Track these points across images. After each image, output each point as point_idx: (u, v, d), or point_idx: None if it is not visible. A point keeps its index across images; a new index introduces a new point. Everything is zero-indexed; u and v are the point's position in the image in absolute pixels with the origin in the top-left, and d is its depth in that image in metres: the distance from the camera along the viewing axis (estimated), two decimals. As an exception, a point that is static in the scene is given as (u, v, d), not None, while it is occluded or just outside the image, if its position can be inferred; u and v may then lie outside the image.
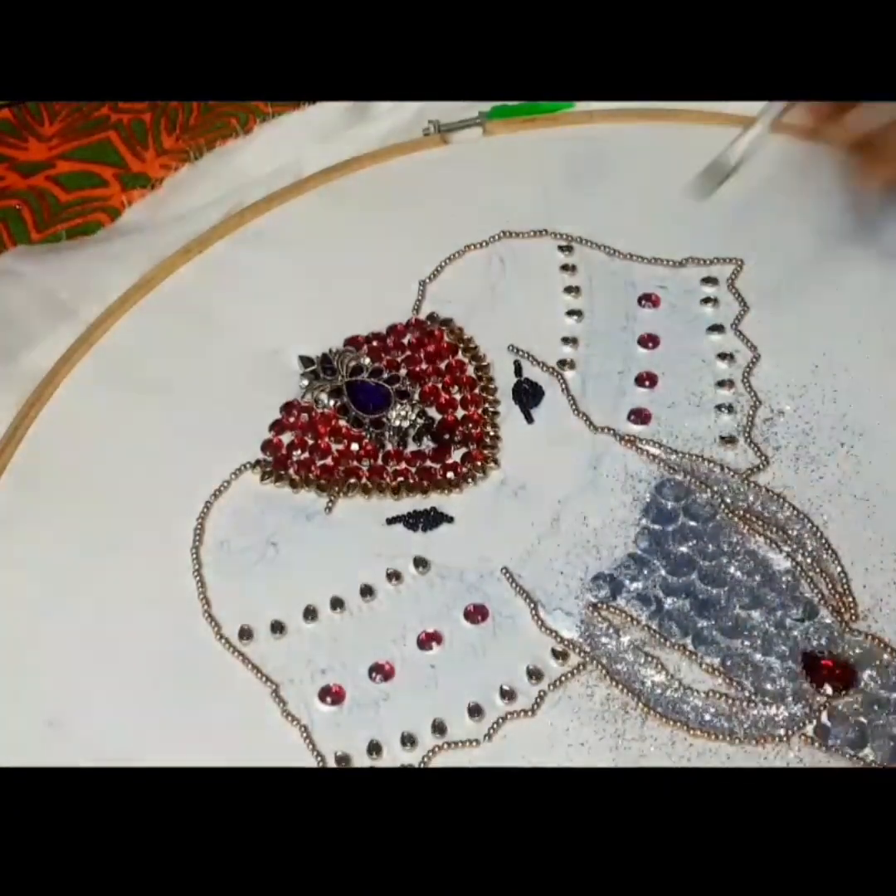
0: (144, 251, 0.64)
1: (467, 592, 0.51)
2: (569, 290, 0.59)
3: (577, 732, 0.47)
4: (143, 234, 0.66)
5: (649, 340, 0.57)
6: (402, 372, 0.57)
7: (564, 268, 0.60)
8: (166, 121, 0.71)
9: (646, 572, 0.50)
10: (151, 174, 0.69)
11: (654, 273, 0.60)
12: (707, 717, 0.47)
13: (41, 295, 0.63)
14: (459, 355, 0.58)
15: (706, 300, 0.58)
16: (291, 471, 0.55)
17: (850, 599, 0.49)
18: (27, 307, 0.63)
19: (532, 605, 0.50)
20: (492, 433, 0.55)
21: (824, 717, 0.46)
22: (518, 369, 0.57)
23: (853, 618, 0.49)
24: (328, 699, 0.48)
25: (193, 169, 0.69)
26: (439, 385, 0.57)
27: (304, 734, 0.48)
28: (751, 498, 0.52)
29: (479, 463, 0.54)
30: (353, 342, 0.58)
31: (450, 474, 0.54)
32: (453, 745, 0.47)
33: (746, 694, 0.47)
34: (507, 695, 0.48)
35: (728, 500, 0.52)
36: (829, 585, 0.49)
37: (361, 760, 0.47)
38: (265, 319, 0.60)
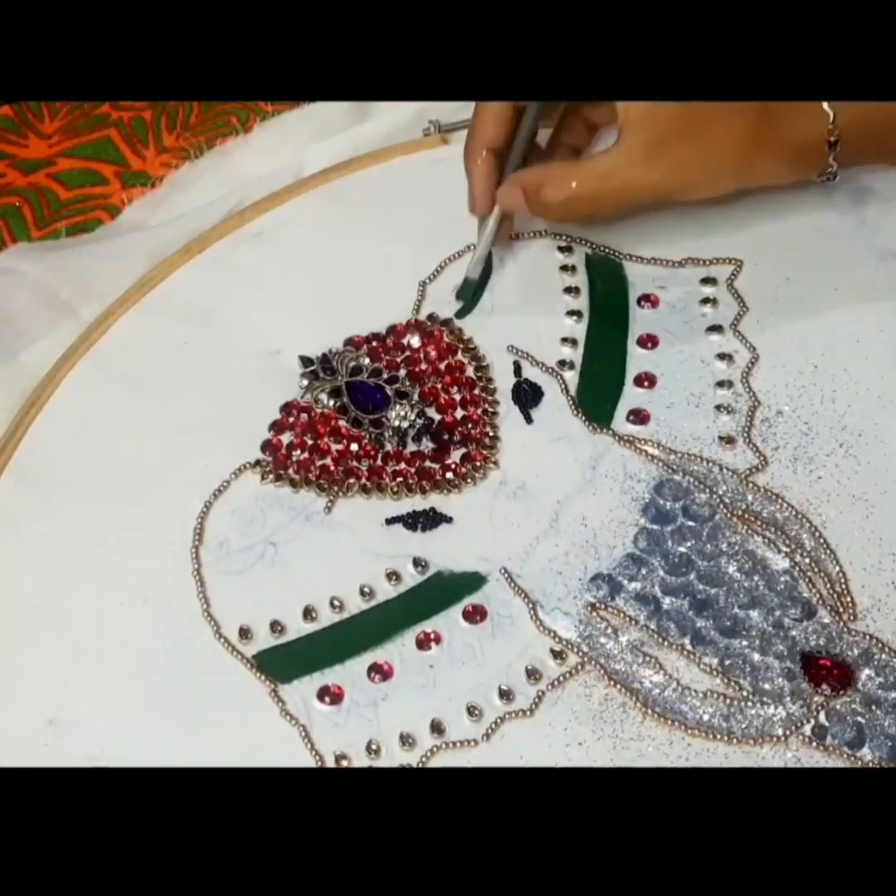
0: (144, 250, 0.64)
1: (466, 593, 0.51)
2: (568, 290, 0.59)
3: (575, 732, 0.47)
4: (143, 233, 0.66)
5: (648, 341, 0.57)
6: (402, 372, 0.57)
7: (564, 268, 0.60)
8: (167, 119, 0.71)
9: (644, 572, 0.50)
10: (152, 172, 0.69)
11: (653, 273, 0.60)
12: (705, 717, 0.47)
13: (41, 293, 0.63)
14: (459, 356, 0.58)
15: (705, 300, 0.58)
16: (291, 471, 0.55)
17: (849, 599, 0.49)
18: (27, 305, 0.63)
19: (530, 606, 0.50)
20: (491, 434, 0.55)
21: (822, 717, 0.47)
22: (517, 370, 0.57)
23: (851, 618, 0.49)
24: (327, 699, 0.48)
25: (194, 167, 0.69)
26: (439, 385, 0.57)
27: (303, 734, 0.48)
28: (749, 498, 0.52)
29: (478, 463, 0.54)
30: (352, 342, 0.59)
31: (449, 475, 0.54)
32: (452, 745, 0.47)
33: (744, 694, 0.47)
34: (506, 695, 0.48)
35: (727, 501, 0.52)
36: (828, 585, 0.49)
37: (360, 760, 0.47)
38: (265, 319, 0.60)
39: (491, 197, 0.57)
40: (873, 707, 0.46)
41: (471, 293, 0.59)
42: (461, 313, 0.58)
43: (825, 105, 0.53)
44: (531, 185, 0.55)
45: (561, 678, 0.48)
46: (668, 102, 0.53)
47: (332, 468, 0.55)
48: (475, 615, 0.50)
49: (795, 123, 0.54)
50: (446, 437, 0.55)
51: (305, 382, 0.57)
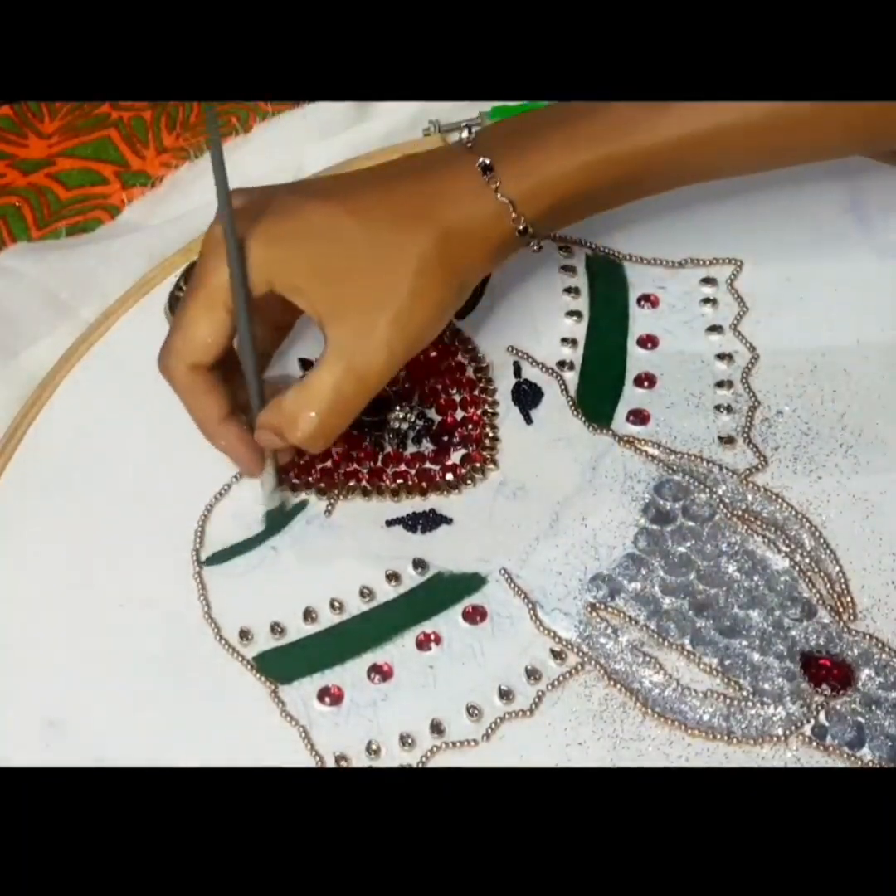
0: (144, 250, 0.64)
1: (466, 593, 0.51)
2: (568, 290, 0.59)
3: (575, 732, 0.47)
4: (143, 233, 0.66)
5: (648, 341, 0.57)
6: (402, 374, 0.57)
7: (564, 268, 0.60)
8: (166, 119, 0.71)
9: (644, 572, 0.50)
10: (151, 172, 0.69)
11: (653, 273, 0.60)
12: (705, 717, 0.47)
13: (41, 293, 0.63)
14: (459, 356, 0.58)
15: (705, 300, 0.58)
16: (292, 474, 0.55)
17: (849, 599, 0.49)
18: (27, 305, 0.63)
19: (530, 606, 0.50)
20: (491, 434, 0.55)
21: (822, 717, 0.47)
22: (517, 370, 0.57)
23: (851, 618, 0.49)
24: (327, 699, 0.49)
25: (193, 167, 0.69)
26: (438, 387, 0.57)
27: (303, 734, 0.48)
28: (749, 498, 0.52)
29: (478, 464, 0.54)
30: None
31: (449, 476, 0.54)
32: (452, 745, 0.47)
33: (744, 694, 0.47)
34: (506, 695, 0.48)
35: (727, 501, 0.52)
36: (828, 585, 0.49)
37: (360, 761, 0.47)
38: (265, 319, 0.60)
39: (255, 454, 0.51)
40: (873, 707, 0.47)
41: (281, 518, 0.53)
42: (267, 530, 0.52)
43: (499, 196, 0.48)
44: (277, 425, 0.49)
45: (561, 678, 0.48)
46: (344, 275, 0.47)
47: (333, 470, 0.55)
48: (475, 615, 0.50)
49: (478, 231, 0.49)
50: (446, 438, 0.55)
51: (305, 384, 0.57)
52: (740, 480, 0.52)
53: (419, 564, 0.52)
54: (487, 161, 0.49)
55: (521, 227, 0.49)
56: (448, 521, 0.53)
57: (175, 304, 0.56)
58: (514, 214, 0.49)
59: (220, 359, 0.50)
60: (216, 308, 0.48)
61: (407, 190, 0.49)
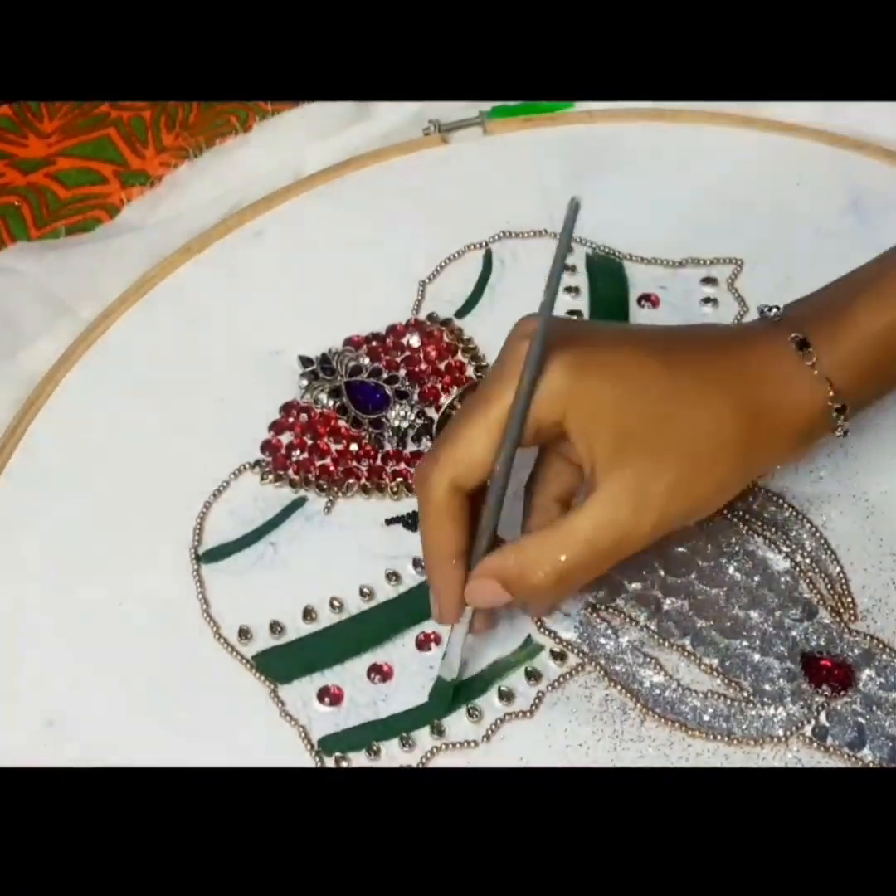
0: (144, 249, 0.64)
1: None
2: (568, 290, 0.59)
3: (575, 733, 0.47)
4: (143, 232, 0.66)
5: (649, 341, 0.57)
6: (402, 372, 0.57)
7: (564, 268, 0.60)
8: (166, 118, 0.71)
9: (644, 573, 0.50)
10: (151, 172, 0.69)
11: (653, 273, 0.60)
12: (705, 718, 0.47)
13: (40, 293, 0.63)
14: (459, 355, 0.58)
15: (706, 300, 0.58)
16: (291, 471, 0.55)
17: (849, 600, 0.49)
18: (26, 305, 0.63)
19: (531, 606, 0.50)
20: (491, 434, 0.55)
21: (823, 718, 0.47)
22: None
23: (852, 618, 0.49)
24: (327, 699, 0.48)
25: (193, 167, 0.69)
26: (439, 385, 0.57)
27: (303, 734, 0.48)
28: (749, 499, 0.52)
29: (478, 463, 0.54)
30: (352, 342, 0.58)
31: (449, 475, 0.54)
32: (452, 746, 0.47)
33: (745, 694, 0.47)
34: (506, 696, 0.48)
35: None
36: (828, 586, 0.49)
37: (360, 761, 0.47)
38: (265, 319, 0.60)
39: (461, 603, 0.46)
40: (874, 707, 0.46)
41: (448, 693, 0.47)
42: (440, 713, 0.48)
43: (816, 372, 0.45)
44: (509, 571, 0.44)
45: (561, 679, 0.48)
46: (637, 427, 0.44)
47: (332, 468, 0.54)
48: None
49: (787, 414, 0.46)
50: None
51: (305, 382, 0.57)
52: (740, 481, 0.52)
53: (419, 564, 0.51)
54: (801, 336, 0.46)
55: (837, 406, 0.46)
56: (448, 520, 0.52)
57: (444, 421, 0.53)
58: (831, 392, 0.46)
59: (480, 488, 0.45)
60: (499, 430, 0.44)
61: (719, 360, 0.46)
